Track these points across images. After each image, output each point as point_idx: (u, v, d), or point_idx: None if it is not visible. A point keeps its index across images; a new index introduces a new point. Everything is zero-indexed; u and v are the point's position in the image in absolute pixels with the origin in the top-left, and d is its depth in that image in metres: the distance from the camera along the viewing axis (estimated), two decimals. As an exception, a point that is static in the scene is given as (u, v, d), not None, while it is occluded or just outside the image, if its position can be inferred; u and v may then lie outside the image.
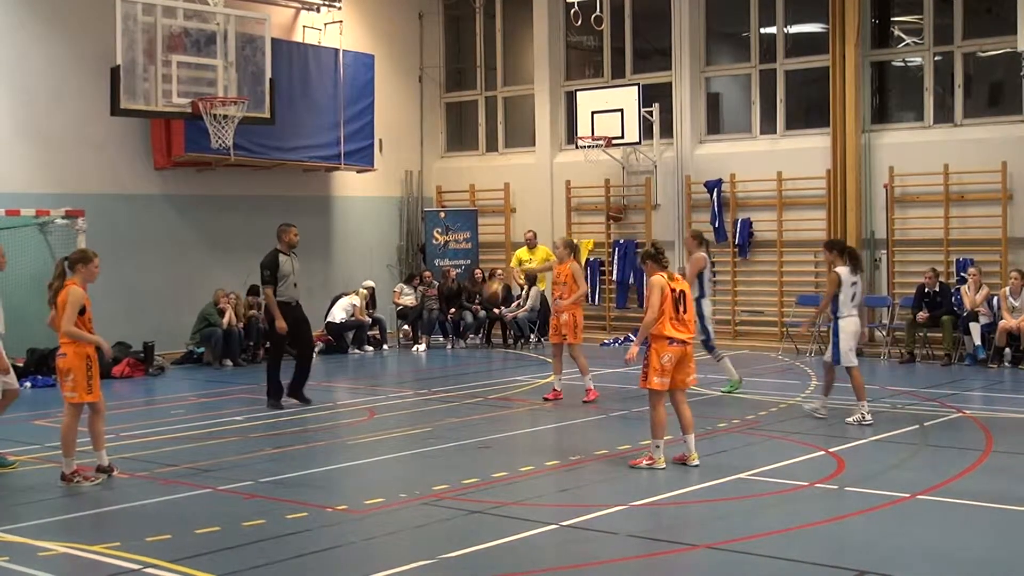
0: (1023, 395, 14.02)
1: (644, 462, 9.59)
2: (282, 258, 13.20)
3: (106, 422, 9.79)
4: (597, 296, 20.75)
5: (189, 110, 15.55)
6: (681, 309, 9.64)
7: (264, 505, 8.52)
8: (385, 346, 20.21)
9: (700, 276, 13.47)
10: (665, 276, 9.66)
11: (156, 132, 18.11)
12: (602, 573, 6.98)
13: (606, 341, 20.03)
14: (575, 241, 16.94)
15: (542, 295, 20.62)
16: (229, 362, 17.66)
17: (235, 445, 11.11)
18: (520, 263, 20.46)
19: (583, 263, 20.86)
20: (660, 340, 9.57)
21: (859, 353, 18.05)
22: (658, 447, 9.57)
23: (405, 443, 11.24)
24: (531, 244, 20.53)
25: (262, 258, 13.28)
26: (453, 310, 20.31)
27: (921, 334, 17.27)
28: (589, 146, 20.02)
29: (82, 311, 9.34)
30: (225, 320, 17.67)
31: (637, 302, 20.20)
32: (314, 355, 14.13)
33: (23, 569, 6.97)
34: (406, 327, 20.72)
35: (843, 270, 11.78)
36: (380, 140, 21.53)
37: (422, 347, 20.09)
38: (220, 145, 16.05)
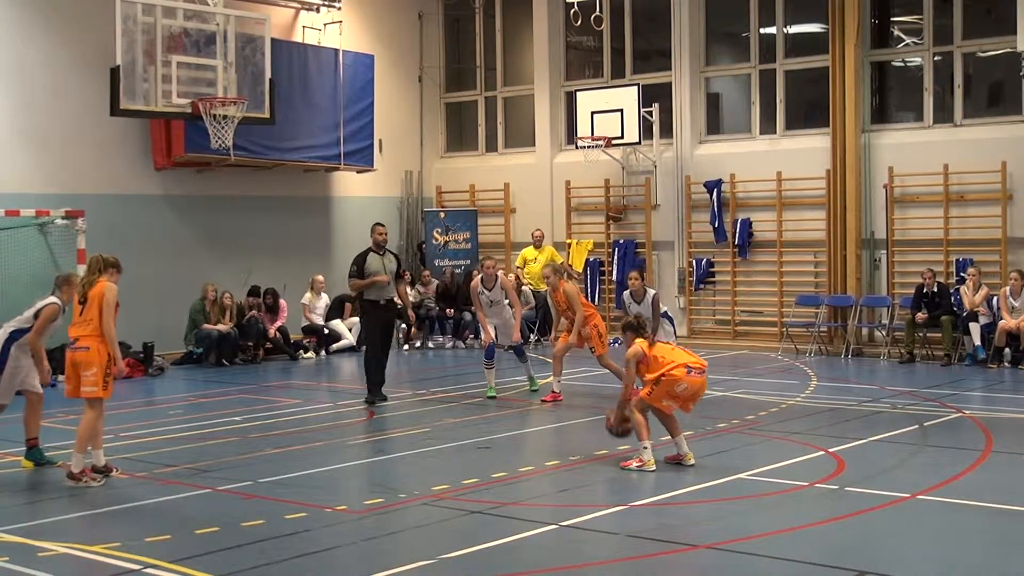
0: (1023, 395, 14.01)
1: (634, 463, 9.60)
2: (371, 256, 13.64)
3: (105, 422, 9.78)
4: (597, 297, 20.72)
5: (189, 110, 15.54)
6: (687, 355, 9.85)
7: (264, 505, 8.51)
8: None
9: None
10: (644, 343, 9.70)
11: (156, 132, 18.10)
12: (602, 573, 6.98)
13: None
14: (560, 262, 16.64)
15: (544, 296, 20.62)
16: (228, 363, 17.65)
17: (235, 445, 11.11)
18: (525, 262, 20.48)
19: (583, 263, 20.90)
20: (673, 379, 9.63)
21: (859, 353, 18.29)
22: (645, 448, 9.58)
23: (405, 443, 11.24)
24: (537, 243, 20.54)
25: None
26: (453, 310, 20.31)
27: (921, 334, 17.27)
28: (589, 146, 20.00)
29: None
30: (225, 324, 17.67)
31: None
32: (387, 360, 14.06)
33: (23, 569, 6.97)
34: (405, 327, 20.70)
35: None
36: (380, 140, 21.52)
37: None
38: (220, 145, 16.04)
